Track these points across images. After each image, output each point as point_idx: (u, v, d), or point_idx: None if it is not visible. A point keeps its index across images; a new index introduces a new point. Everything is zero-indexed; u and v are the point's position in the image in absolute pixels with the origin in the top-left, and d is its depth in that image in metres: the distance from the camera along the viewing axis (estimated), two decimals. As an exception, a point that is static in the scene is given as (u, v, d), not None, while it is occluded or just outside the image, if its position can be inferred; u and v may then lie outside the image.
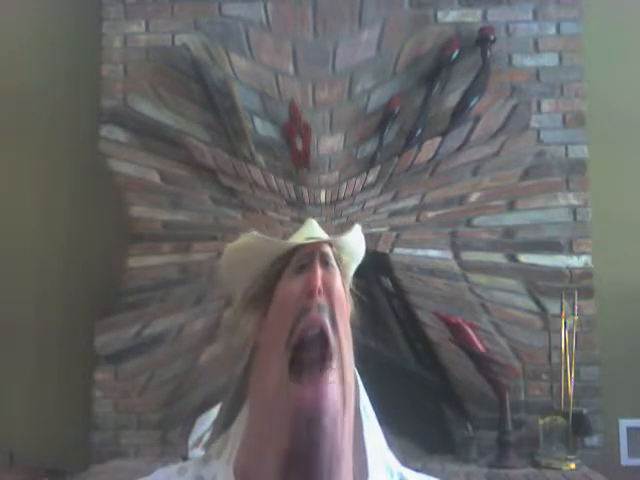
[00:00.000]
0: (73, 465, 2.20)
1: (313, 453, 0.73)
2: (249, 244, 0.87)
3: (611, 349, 2.29)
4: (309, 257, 0.84)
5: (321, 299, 0.80)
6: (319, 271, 0.82)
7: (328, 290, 0.81)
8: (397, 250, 2.34)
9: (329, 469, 0.74)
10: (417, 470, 0.89)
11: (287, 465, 0.73)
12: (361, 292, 0.91)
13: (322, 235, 0.93)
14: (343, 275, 0.87)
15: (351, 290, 0.90)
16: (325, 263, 0.85)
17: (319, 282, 0.80)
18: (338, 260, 0.88)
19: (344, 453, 0.76)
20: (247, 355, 0.87)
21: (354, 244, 0.93)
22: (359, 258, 0.95)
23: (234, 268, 0.90)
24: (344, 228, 0.97)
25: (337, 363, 0.77)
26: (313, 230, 0.93)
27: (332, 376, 0.75)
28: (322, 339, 0.77)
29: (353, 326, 0.84)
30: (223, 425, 0.90)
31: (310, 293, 0.80)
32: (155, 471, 0.86)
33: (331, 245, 0.88)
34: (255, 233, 0.86)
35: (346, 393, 0.77)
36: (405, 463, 0.88)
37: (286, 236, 1.00)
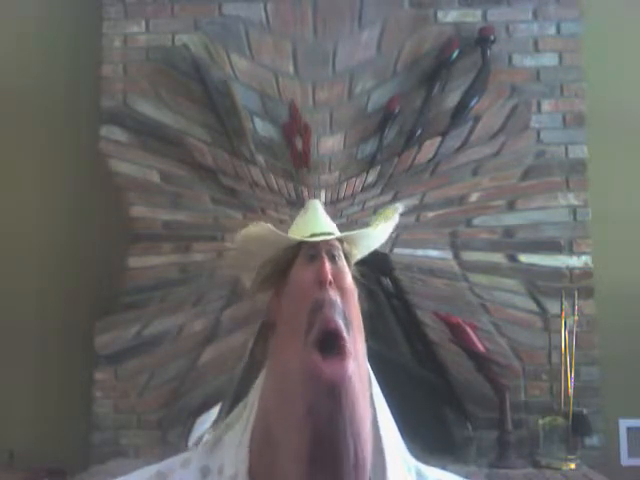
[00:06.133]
0: (73, 465, 2.20)
1: (335, 422, 0.72)
2: (261, 235, 0.88)
3: (611, 349, 2.29)
4: (316, 249, 0.85)
5: (333, 293, 0.80)
6: (327, 264, 0.82)
7: (339, 285, 0.82)
8: (397, 250, 2.33)
9: (353, 440, 0.72)
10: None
11: (310, 440, 0.72)
12: (361, 291, 0.90)
13: (327, 224, 0.92)
14: (350, 266, 0.87)
15: (355, 277, 0.89)
16: (332, 257, 0.85)
17: (329, 275, 0.81)
18: (347, 254, 0.88)
19: (365, 426, 0.74)
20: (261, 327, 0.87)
21: (373, 237, 0.92)
22: (371, 249, 0.94)
23: (246, 254, 0.92)
24: (344, 227, 0.95)
25: (354, 362, 0.76)
26: (318, 219, 0.93)
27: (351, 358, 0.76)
28: (337, 340, 0.76)
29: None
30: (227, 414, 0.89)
31: (321, 284, 0.80)
32: (155, 464, 0.84)
33: (341, 240, 0.88)
34: (268, 225, 0.87)
35: (363, 388, 0.77)
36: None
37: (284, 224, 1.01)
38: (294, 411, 0.73)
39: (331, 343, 0.76)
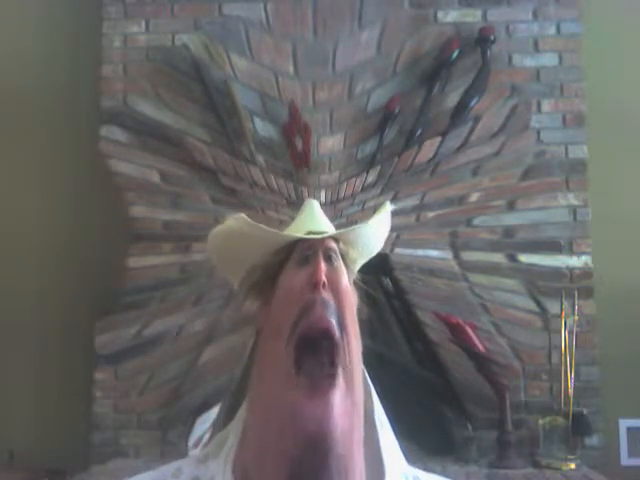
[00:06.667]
0: (73, 465, 2.20)
1: (320, 472, 0.67)
2: (242, 231, 0.81)
3: (611, 349, 2.29)
4: (311, 249, 0.79)
5: (326, 294, 0.74)
6: (323, 265, 0.76)
7: (334, 286, 0.76)
8: (397, 250, 2.33)
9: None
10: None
11: (292, 475, 0.68)
12: (363, 291, 0.85)
13: (324, 224, 0.88)
14: (348, 269, 0.81)
15: (355, 283, 0.83)
16: (328, 257, 0.79)
17: (323, 276, 0.75)
18: (345, 255, 0.82)
19: (354, 463, 0.70)
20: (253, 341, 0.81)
21: (370, 237, 0.86)
22: (373, 252, 0.89)
23: (228, 255, 0.85)
24: (343, 228, 0.90)
25: (345, 368, 0.71)
26: (314, 218, 0.88)
27: (339, 388, 0.70)
28: (328, 340, 0.71)
29: (360, 320, 0.78)
30: (223, 425, 0.87)
31: (314, 286, 0.74)
32: (148, 471, 0.82)
33: (337, 240, 0.82)
34: (244, 217, 0.80)
35: (355, 399, 0.72)
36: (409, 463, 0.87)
37: (284, 224, 0.95)
38: (274, 462, 0.69)
39: (320, 347, 0.71)
